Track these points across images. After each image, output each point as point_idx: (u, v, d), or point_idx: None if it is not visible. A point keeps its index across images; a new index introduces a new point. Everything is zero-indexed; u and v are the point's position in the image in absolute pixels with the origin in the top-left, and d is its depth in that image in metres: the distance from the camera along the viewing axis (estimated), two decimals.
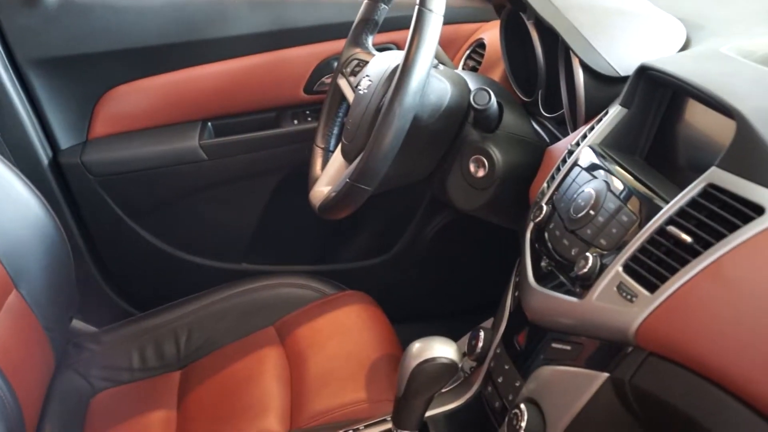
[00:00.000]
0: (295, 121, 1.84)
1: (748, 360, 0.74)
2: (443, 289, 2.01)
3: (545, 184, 1.17)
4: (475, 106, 1.27)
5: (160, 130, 1.77)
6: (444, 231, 1.93)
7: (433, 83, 1.27)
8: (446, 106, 1.29)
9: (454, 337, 2.05)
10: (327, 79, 1.79)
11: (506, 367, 1.06)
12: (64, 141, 1.74)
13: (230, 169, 1.81)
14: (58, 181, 1.74)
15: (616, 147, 1.10)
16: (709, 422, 0.76)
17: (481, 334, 1.14)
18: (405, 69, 1.13)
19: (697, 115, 1.04)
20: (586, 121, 1.21)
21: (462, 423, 1.13)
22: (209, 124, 1.81)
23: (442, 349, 0.97)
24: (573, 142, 1.17)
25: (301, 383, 1.38)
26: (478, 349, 1.13)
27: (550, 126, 1.40)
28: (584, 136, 1.15)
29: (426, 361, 0.96)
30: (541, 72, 1.39)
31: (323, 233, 1.98)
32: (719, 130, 0.97)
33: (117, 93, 1.74)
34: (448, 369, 0.96)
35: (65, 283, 1.42)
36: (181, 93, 1.76)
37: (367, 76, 1.34)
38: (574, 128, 1.28)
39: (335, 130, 1.51)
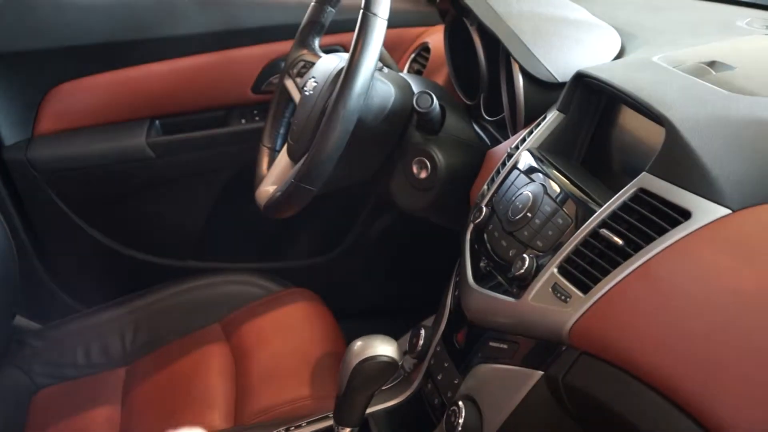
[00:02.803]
0: (243, 120, 1.82)
1: (673, 359, 0.75)
2: (387, 287, 2.01)
3: (485, 186, 1.17)
4: (418, 109, 1.27)
5: (107, 128, 1.74)
6: (388, 231, 1.93)
7: (377, 86, 1.26)
8: (390, 109, 1.29)
9: (397, 334, 2.07)
10: (275, 80, 1.78)
11: (446, 364, 1.06)
12: (9, 137, 1.70)
13: (177, 166, 1.79)
14: (2, 177, 1.70)
15: (553, 151, 1.11)
16: (637, 419, 0.77)
17: (422, 332, 1.14)
18: (349, 72, 1.12)
19: (629, 121, 1.06)
20: (526, 125, 1.22)
21: (402, 419, 1.13)
22: (157, 122, 1.78)
23: (382, 347, 0.96)
24: (512, 146, 1.17)
25: (245, 380, 1.37)
26: (419, 347, 1.13)
27: (491, 129, 1.41)
28: (523, 140, 1.16)
29: (367, 359, 0.95)
30: (483, 76, 1.40)
31: (269, 231, 1.96)
32: (650, 136, 0.99)
33: (63, 90, 1.70)
34: (389, 367, 0.96)
35: (8, 280, 1.38)
36: (129, 91, 1.73)
37: (313, 77, 1.33)
38: (514, 132, 1.29)
39: (282, 130, 1.50)
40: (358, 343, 0.98)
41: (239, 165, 1.83)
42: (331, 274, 1.97)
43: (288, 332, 1.47)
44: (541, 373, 0.90)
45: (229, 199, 1.88)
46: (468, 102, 1.48)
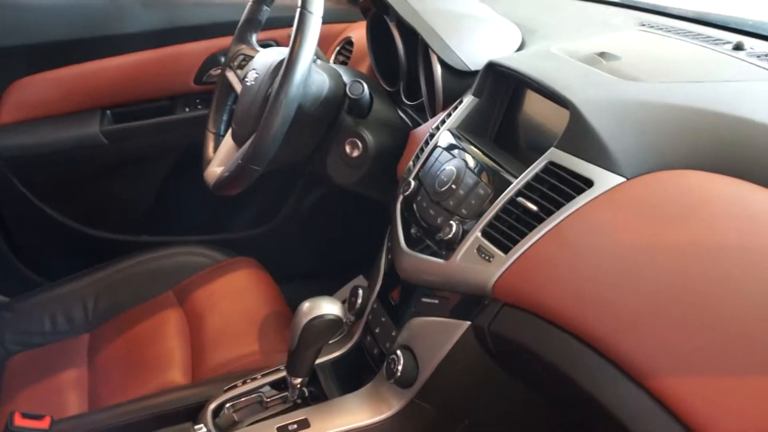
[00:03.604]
0: (187, 109, 1.77)
1: (583, 306, 0.76)
2: (320, 252, 1.99)
3: (411, 163, 1.17)
4: (351, 95, 1.25)
5: (64, 119, 1.66)
6: (319, 203, 1.92)
7: (313, 76, 1.24)
8: (325, 96, 1.26)
9: (331, 292, 2.06)
10: (215, 72, 1.73)
11: (383, 319, 1.06)
12: None
13: (129, 152, 1.73)
14: None
15: (469, 131, 1.11)
16: (553, 357, 0.78)
17: (360, 291, 1.13)
18: (290, 63, 1.09)
19: (534, 104, 1.06)
20: (444, 108, 1.21)
21: (345, 368, 1.12)
22: (108, 112, 1.71)
23: (328, 307, 0.95)
24: (433, 126, 1.17)
25: (200, 340, 1.33)
26: (358, 305, 1.12)
27: (411, 112, 1.40)
28: (443, 121, 1.15)
29: (315, 317, 0.94)
30: (402, 66, 1.39)
31: (214, 207, 1.91)
32: (552, 116, 1.00)
33: (23, 84, 1.62)
34: (335, 324, 0.95)
35: None
36: (83, 84, 1.65)
37: (253, 69, 1.29)
38: (433, 114, 1.28)
39: (225, 117, 1.46)
40: (306, 304, 0.97)
41: (184, 148, 1.78)
42: (270, 243, 1.94)
43: (235, 296, 1.44)
44: (469, 323, 0.90)
45: (176, 179, 1.83)
46: (389, 89, 1.47)
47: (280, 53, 1.28)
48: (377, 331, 1.06)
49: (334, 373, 1.10)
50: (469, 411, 0.96)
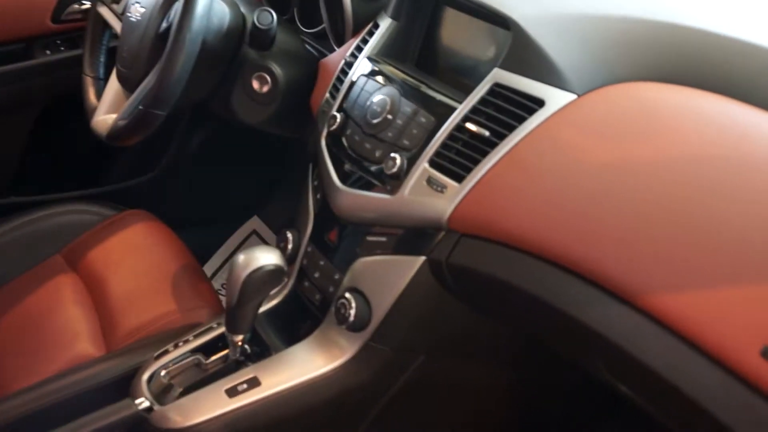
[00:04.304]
0: (48, 52, 1.58)
1: (554, 229, 0.74)
2: (211, 196, 1.89)
3: (328, 95, 1.10)
4: (260, 26, 1.15)
5: None
6: (206, 143, 1.81)
7: (214, 6, 1.12)
8: (227, 28, 1.16)
9: (225, 236, 1.96)
10: (77, 6, 1.55)
11: (321, 263, 1.00)
12: None
13: None
14: None
15: (389, 56, 1.05)
16: (526, 284, 0.76)
17: (289, 236, 1.07)
18: None
19: (457, 22, 1.02)
20: (354, 35, 1.14)
21: (282, 318, 1.06)
22: None
23: (266, 257, 0.89)
24: (347, 54, 1.10)
25: (105, 305, 1.22)
26: (289, 251, 1.06)
27: (310, 41, 1.32)
28: (358, 48, 1.09)
29: (255, 270, 0.88)
30: None
31: (91, 158, 1.75)
32: (480, 34, 0.96)
33: None
34: (276, 274, 0.89)
35: None
36: None
37: (137, 2, 1.16)
38: (339, 42, 1.21)
39: (102, 59, 1.31)
40: (241, 257, 0.90)
41: (51, 97, 1.59)
42: (158, 192, 1.81)
43: (135, 253, 1.33)
44: (423, 258, 0.87)
45: (45, 131, 1.64)
46: (280, 16, 1.37)
47: None
48: (316, 276, 1.01)
49: (272, 326, 1.04)
50: (426, 347, 0.94)
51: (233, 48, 1.20)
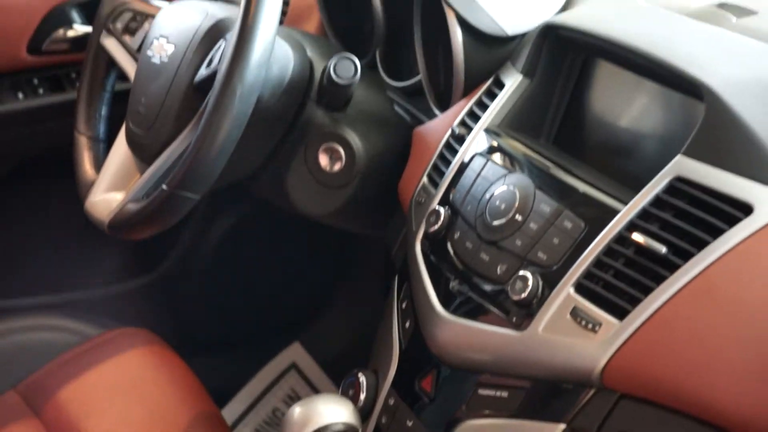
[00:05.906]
0: (20, 95, 1.67)
1: (752, 395, 0.74)
2: (237, 309, 1.94)
3: (426, 179, 1.14)
4: (337, 80, 1.20)
5: None
6: (232, 234, 1.86)
7: (275, 49, 1.18)
8: (289, 79, 1.21)
9: (254, 369, 2.00)
10: (62, 33, 1.66)
11: (408, 423, 1.02)
12: None
13: None
14: None
15: (517, 128, 1.09)
16: None
17: (362, 379, 1.09)
18: (246, 30, 1.02)
19: (615, 85, 1.05)
20: (465, 94, 1.19)
21: None
22: None
23: (334, 411, 0.91)
24: (456, 123, 1.14)
25: None
26: (360, 402, 1.08)
27: (398, 99, 1.37)
28: (471, 114, 1.13)
29: (319, 431, 0.90)
30: (378, 24, 1.35)
31: (67, 249, 1.82)
32: (653, 104, 0.99)
33: None
34: None
35: None
36: None
37: (162, 36, 1.22)
38: (443, 104, 1.25)
39: (104, 111, 1.38)
40: (297, 410, 0.93)
41: (16, 160, 1.69)
42: (161, 301, 1.86)
43: (127, 392, 1.37)
44: (563, 426, 0.87)
45: (4, 208, 1.73)
46: None
47: (204, 13, 1.21)
48: None
49: None
50: None
51: (295, 107, 1.25)
